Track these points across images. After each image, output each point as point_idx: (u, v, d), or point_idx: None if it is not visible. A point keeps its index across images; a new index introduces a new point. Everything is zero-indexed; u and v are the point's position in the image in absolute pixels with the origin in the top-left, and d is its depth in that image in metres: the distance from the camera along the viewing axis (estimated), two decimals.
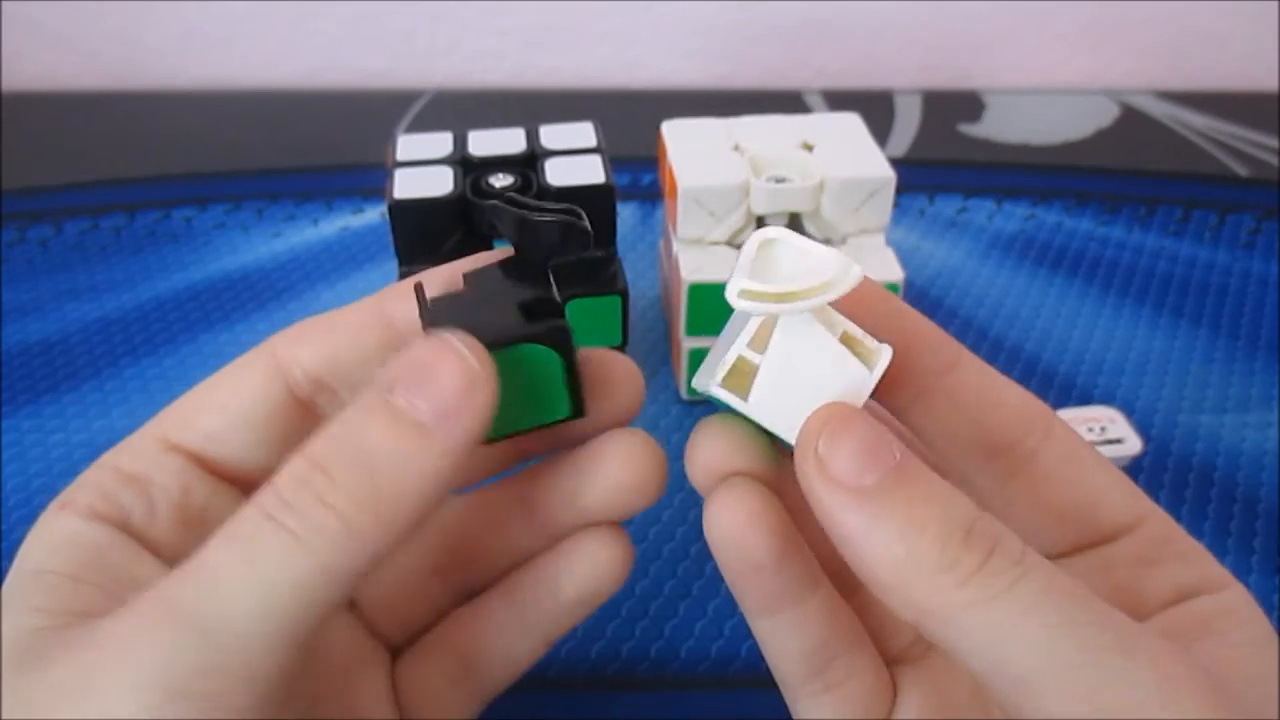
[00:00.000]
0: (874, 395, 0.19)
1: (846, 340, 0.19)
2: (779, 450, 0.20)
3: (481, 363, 0.18)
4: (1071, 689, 0.16)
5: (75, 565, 0.19)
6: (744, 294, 0.18)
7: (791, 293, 0.18)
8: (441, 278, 0.21)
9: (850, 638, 0.22)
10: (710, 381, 0.19)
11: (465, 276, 0.20)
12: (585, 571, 0.22)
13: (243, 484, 0.21)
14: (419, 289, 0.20)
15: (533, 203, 0.20)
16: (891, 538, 0.17)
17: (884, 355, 0.19)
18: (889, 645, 0.23)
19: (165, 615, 0.17)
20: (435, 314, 0.19)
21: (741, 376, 0.19)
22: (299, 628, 0.17)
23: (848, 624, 0.22)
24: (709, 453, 0.20)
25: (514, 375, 0.19)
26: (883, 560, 0.17)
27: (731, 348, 0.19)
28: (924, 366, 0.20)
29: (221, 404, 0.21)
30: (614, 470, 0.21)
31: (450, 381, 0.17)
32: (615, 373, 0.22)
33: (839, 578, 0.22)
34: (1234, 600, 0.20)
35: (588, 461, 0.22)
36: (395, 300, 0.21)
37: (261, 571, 0.17)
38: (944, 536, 0.17)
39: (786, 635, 0.21)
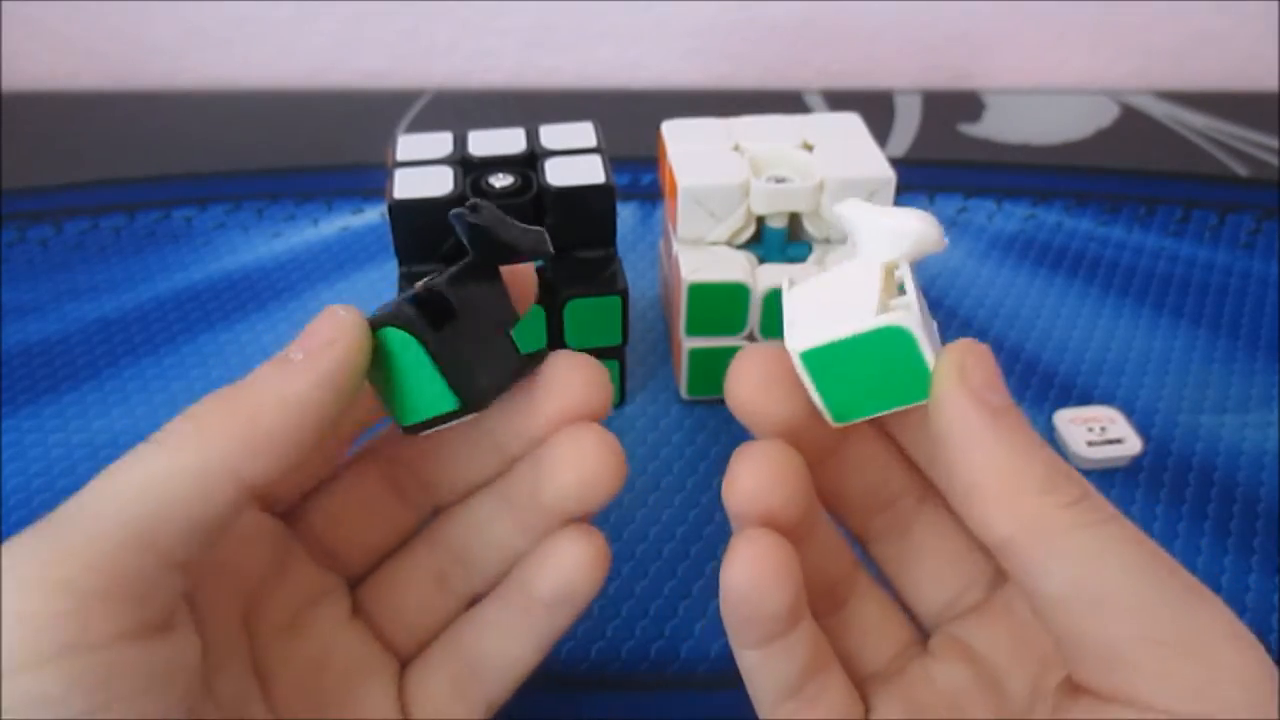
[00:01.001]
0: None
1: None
2: (810, 482, 0.22)
3: (350, 315, 0.20)
4: (1146, 614, 0.18)
5: None
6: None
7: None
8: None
9: (825, 657, 0.22)
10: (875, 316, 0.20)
11: (439, 293, 0.21)
12: (556, 571, 0.23)
13: (262, 498, 0.22)
14: (414, 323, 0.21)
15: (502, 218, 0.21)
16: (1009, 451, 0.19)
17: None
18: (865, 664, 0.24)
19: (39, 527, 0.18)
20: (450, 359, 0.21)
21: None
22: (155, 524, 0.18)
23: (824, 649, 0.22)
24: (748, 483, 0.21)
25: (394, 359, 0.21)
26: (997, 468, 0.19)
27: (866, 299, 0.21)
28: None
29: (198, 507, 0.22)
30: (564, 467, 0.22)
31: (321, 330, 0.20)
32: (568, 371, 0.23)
33: (817, 604, 0.23)
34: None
35: (542, 460, 0.23)
36: None
37: (119, 477, 0.18)
38: (1051, 467, 0.19)
39: (774, 664, 0.22)
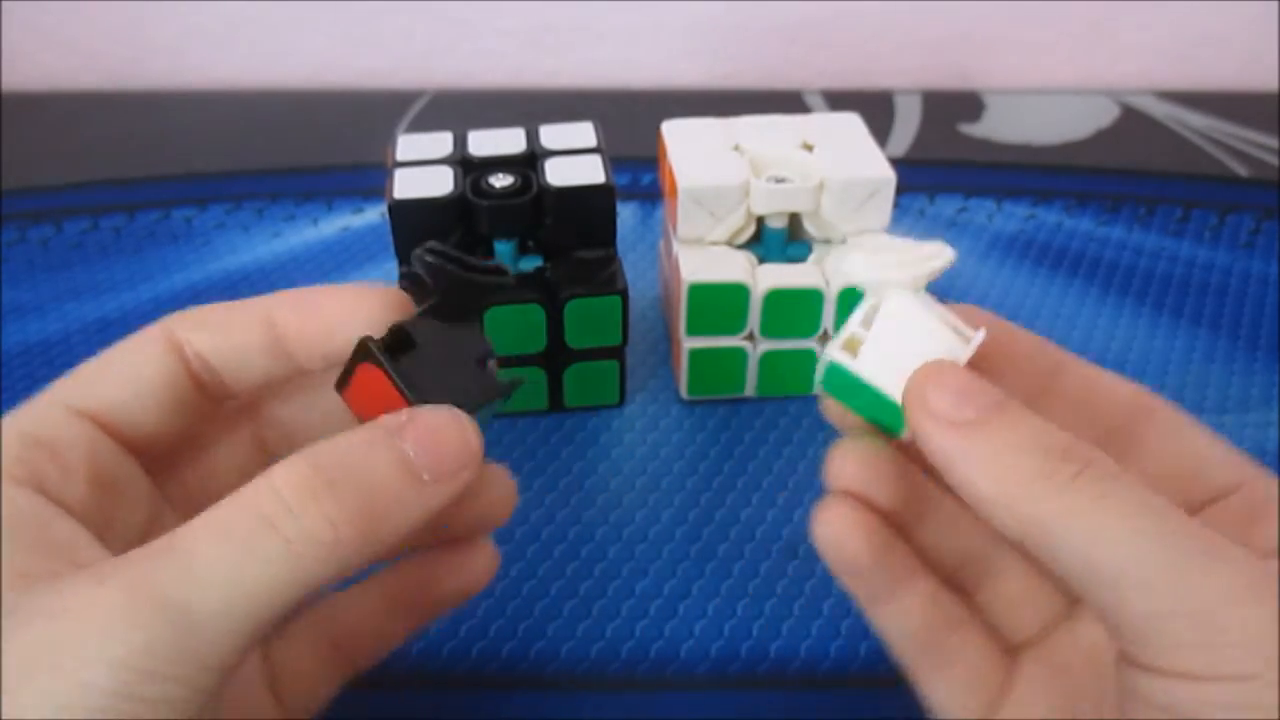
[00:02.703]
0: None
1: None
2: (902, 465, 0.23)
3: (478, 445, 0.21)
4: (1160, 585, 0.18)
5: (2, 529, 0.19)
6: (853, 268, 0.22)
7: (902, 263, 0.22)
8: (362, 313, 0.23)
9: (954, 624, 0.24)
10: (830, 350, 0.22)
11: (401, 327, 0.22)
12: (457, 580, 0.25)
13: (139, 450, 0.23)
14: (370, 341, 0.21)
15: (459, 256, 0.22)
16: (991, 456, 0.19)
17: (978, 334, 0.21)
18: (1012, 635, 0.25)
19: (146, 597, 0.17)
20: (414, 380, 0.21)
21: (854, 349, 0.22)
22: (264, 626, 0.18)
23: (952, 614, 0.24)
24: (841, 467, 0.23)
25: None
26: (985, 475, 0.19)
27: (846, 324, 0.22)
28: (1035, 371, 0.23)
29: (124, 374, 0.22)
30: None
31: (453, 454, 0.20)
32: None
33: (954, 577, 0.25)
34: None
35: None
36: (281, 308, 0.23)
37: (247, 571, 0.18)
38: (1042, 452, 0.19)
39: (892, 621, 0.24)
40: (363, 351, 0.21)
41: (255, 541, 0.18)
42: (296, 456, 0.19)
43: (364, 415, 0.22)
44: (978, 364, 0.21)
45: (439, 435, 0.20)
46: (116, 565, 0.18)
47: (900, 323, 0.21)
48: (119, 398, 0.22)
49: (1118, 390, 0.23)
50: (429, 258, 0.22)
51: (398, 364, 0.21)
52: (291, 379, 0.24)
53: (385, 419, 0.20)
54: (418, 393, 0.21)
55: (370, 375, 0.21)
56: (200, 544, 0.18)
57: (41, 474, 0.21)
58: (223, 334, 0.23)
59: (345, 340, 0.22)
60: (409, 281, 0.36)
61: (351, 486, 0.19)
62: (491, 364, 0.23)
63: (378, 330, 0.22)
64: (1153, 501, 0.18)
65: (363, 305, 0.22)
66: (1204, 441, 0.22)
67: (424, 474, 0.20)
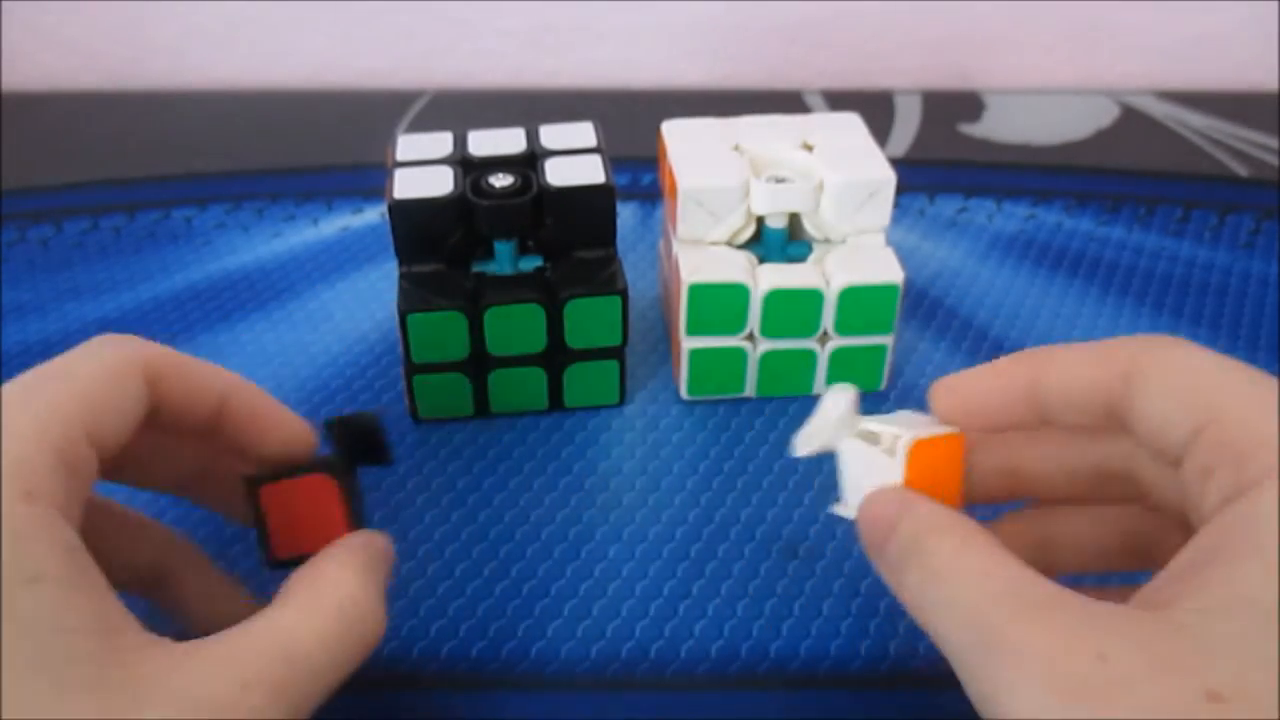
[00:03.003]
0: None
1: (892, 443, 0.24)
2: None
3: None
4: (970, 680, 0.20)
5: (67, 569, 0.20)
6: (796, 444, 0.26)
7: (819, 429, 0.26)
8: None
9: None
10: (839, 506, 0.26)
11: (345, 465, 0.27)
12: None
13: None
14: (341, 464, 0.26)
15: (371, 431, 0.27)
16: (890, 563, 0.23)
17: (901, 444, 0.24)
18: None
19: (286, 700, 0.21)
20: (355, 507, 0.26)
21: None
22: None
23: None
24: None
25: None
26: (888, 578, 0.23)
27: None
28: (1005, 404, 0.24)
29: (121, 411, 0.23)
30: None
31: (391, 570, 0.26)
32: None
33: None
34: (1264, 505, 0.19)
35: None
36: (238, 396, 0.26)
37: (342, 667, 0.22)
38: (900, 553, 0.22)
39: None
40: (330, 469, 0.26)
41: (345, 643, 0.22)
42: (351, 571, 0.24)
43: (277, 512, 0.25)
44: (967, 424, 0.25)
45: (390, 554, 0.26)
46: (249, 668, 0.20)
47: (848, 467, 0.25)
48: (114, 434, 0.23)
49: (1096, 373, 0.23)
50: (344, 427, 0.27)
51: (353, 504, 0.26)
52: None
53: (372, 542, 0.25)
54: (358, 518, 0.26)
55: (319, 487, 0.25)
56: (315, 652, 0.22)
57: (67, 502, 0.21)
58: (188, 392, 0.25)
59: (275, 450, 0.26)
60: (408, 282, 0.36)
61: (378, 594, 0.24)
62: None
63: (294, 459, 0.26)
64: (966, 595, 0.20)
65: (298, 435, 0.26)
66: (1164, 395, 0.22)
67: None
